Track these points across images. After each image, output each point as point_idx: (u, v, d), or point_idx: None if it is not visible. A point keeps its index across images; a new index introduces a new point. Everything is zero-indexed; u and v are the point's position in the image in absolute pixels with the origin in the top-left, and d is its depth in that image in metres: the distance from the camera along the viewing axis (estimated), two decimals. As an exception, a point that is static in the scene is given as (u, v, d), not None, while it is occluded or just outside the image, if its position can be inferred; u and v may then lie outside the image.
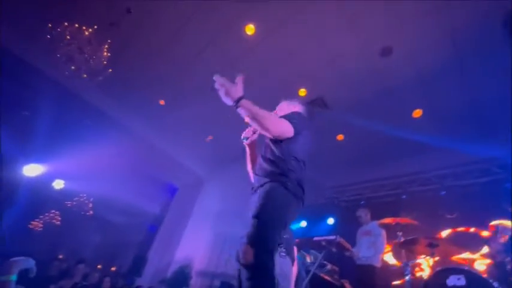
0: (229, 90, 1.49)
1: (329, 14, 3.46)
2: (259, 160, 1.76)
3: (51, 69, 4.60)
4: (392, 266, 4.53)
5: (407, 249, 2.98)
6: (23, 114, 5.48)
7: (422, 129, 4.61)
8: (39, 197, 6.63)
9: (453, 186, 4.76)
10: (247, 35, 3.87)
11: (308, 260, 3.79)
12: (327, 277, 3.67)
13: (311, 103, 4.64)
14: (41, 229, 7.63)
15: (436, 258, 3.49)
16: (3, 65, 4.41)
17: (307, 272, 3.31)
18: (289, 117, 1.73)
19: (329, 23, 3.57)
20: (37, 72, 4.71)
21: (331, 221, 5.94)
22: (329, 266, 3.73)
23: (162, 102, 5.39)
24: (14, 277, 1.68)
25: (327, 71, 4.18)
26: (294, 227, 6.53)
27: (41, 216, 7.70)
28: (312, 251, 3.75)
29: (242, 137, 1.99)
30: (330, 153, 5.54)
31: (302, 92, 4.51)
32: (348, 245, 3.26)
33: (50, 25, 3.81)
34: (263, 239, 1.34)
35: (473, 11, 3.10)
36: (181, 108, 5.40)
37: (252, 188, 1.73)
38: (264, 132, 1.61)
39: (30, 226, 7.39)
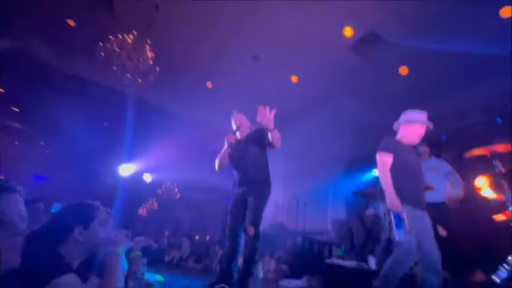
0: (269, 120, 2.45)
1: None
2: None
3: (112, 82, 5.20)
4: (492, 200, 3.99)
5: (510, 180, 2.56)
6: (104, 126, 6.47)
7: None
8: (136, 190, 7.99)
9: None
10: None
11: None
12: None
13: (361, 41, 4.14)
14: (146, 214, 9.32)
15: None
16: (82, 88, 5.23)
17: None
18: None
19: None
20: (100, 86, 5.40)
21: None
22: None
23: (209, 84, 5.58)
24: (139, 252, 2.13)
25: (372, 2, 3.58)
26: (367, 176, 6.30)
27: (143, 205, 9.38)
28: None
29: (226, 140, 2.73)
30: (393, 91, 4.95)
31: (348, 31, 4.02)
32: (429, 185, 2.99)
33: (100, 43, 4.23)
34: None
35: None
36: (228, 86, 5.53)
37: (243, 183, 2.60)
38: (275, 145, 2.55)
39: (138, 213, 9.11)
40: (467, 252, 3.08)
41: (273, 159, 2.93)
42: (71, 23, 4.53)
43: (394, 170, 2.18)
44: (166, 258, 5.43)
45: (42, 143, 8.37)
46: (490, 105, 4.55)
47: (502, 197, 2.67)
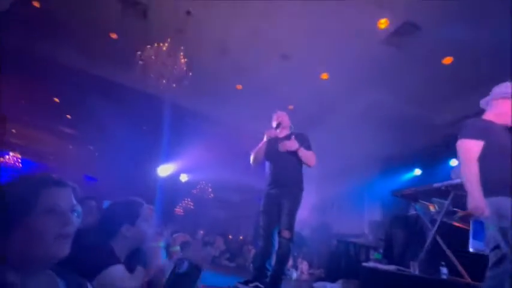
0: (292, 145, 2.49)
1: None
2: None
3: (149, 88, 5.55)
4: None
5: None
6: (143, 129, 6.93)
7: None
8: (173, 190, 8.41)
9: None
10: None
11: (432, 209, 3.39)
12: (460, 224, 3.21)
13: (396, 32, 3.91)
14: (182, 213, 9.77)
15: None
16: (124, 96, 5.67)
17: (433, 221, 2.98)
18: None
19: None
20: (139, 93, 5.79)
21: (454, 162, 5.01)
22: (460, 213, 3.23)
23: (239, 86, 5.69)
24: (178, 247, 2.24)
25: None
26: (406, 176, 5.92)
27: (180, 204, 9.85)
28: (435, 199, 3.32)
29: (266, 135, 2.72)
30: (437, 82, 4.58)
31: (383, 23, 3.82)
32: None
33: (138, 52, 4.55)
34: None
35: None
36: (258, 87, 5.58)
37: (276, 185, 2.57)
38: (306, 164, 2.58)
39: (175, 212, 9.59)
40: None
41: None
42: (113, 35, 4.94)
43: (486, 158, 1.72)
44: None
45: (91, 147, 9.23)
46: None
47: None
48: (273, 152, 2.61)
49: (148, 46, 4.41)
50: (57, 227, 0.68)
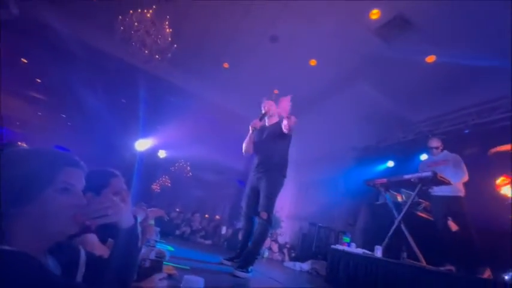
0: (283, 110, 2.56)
1: None
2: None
3: (131, 57, 5.23)
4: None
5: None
6: (122, 102, 6.61)
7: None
8: (150, 166, 8.25)
9: None
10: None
11: (399, 199, 3.61)
12: (423, 214, 3.47)
13: (387, 26, 3.93)
14: (159, 190, 9.66)
15: None
16: (103, 63, 5.30)
17: (399, 210, 3.18)
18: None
19: None
20: (119, 61, 5.45)
21: (424, 157, 5.32)
22: (424, 204, 3.48)
23: (226, 65, 5.53)
24: (153, 222, 2.22)
25: None
26: (380, 168, 6.20)
27: (157, 180, 9.71)
28: (403, 190, 3.54)
29: (251, 126, 2.78)
30: (418, 81, 4.73)
31: (374, 14, 3.82)
32: (446, 179, 2.90)
33: (120, 17, 4.22)
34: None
35: None
36: (245, 67, 5.46)
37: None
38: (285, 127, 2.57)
39: (151, 188, 9.47)
40: (480, 249, 3.02)
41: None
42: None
43: None
44: (177, 232, 5.67)
45: (64, 116, 8.69)
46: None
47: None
48: (258, 141, 2.76)
49: (131, 11, 4.11)
50: (71, 207, 0.69)
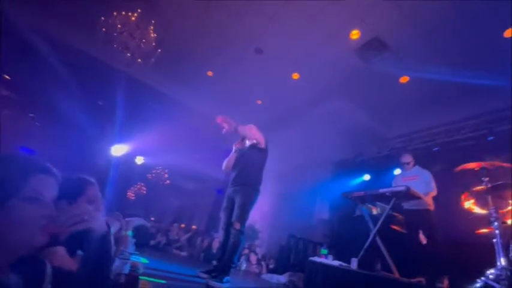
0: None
1: None
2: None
3: (112, 60, 5.08)
4: (476, 214, 4.11)
5: (495, 195, 2.64)
6: (99, 104, 6.34)
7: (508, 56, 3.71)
8: (126, 173, 7.90)
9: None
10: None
11: (374, 212, 3.73)
12: (396, 227, 3.59)
13: (366, 46, 4.15)
14: (134, 198, 9.25)
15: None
16: (80, 63, 5.06)
17: (374, 223, 3.27)
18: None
19: None
20: (99, 63, 5.26)
21: (398, 172, 5.57)
22: (398, 217, 3.62)
23: (210, 73, 5.52)
24: (130, 233, 2.10)
25: (381, 8, 3.58)
26: (356, 181, 6.40)
27: (132, 188, 9.30)
28: (378, 203, 3.66)
29: (234, 146, 3.16)
30: (393, 100, 5.01)
31: (354, 34, 4.02)
32: (418, 194, 3.06)
33: (102, 18, 4.11)
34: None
35: None
36: (229, 77, 5.48)
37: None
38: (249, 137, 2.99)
39: (127, 196, 9.04)
40: (446, 260, 3.18)
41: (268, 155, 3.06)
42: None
43: None
44: (152, 243, 5.42)
45: (32, 115, 8.14)
46: (482, 122, 4.66)
47: (487, 212, 2.75)
48: (238, 158, 3.06)
49: (115, 13, 4.02)
50: (39, 218, 0.64)
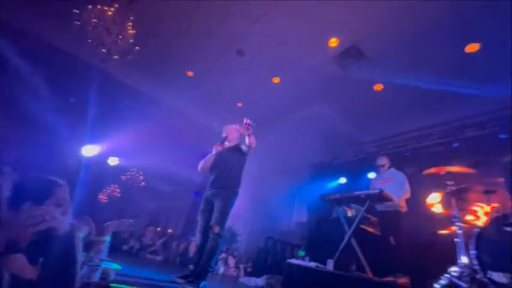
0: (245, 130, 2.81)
1: None
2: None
3: (86, 55, 4.83)
4: (439, 215, 4.39)
5: (458, 198, 2.83)
6: (71, 102, 5.99)
7: (474, 67, 4.03)
8: (99, 174, 7.51)
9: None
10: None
11: (349, 213, 3.84)
12: (370, 229, 3.72)
13: (344, 53, 4.30)
14: (106, 200, 8.81)
15: (494, 205, 3.28)
16: (51, 56, 4.75)
17: (350, 225, 3.37)
18: None
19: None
20: (74, 59, 4.98)
21: (372, 175, 5.80)
22: (371, 219, 3.75)
23: (190, 73, 5.43)
24: (108, 238, 1.97)
25: (359, 18, 3.74)
26: (333, 184, 6.57)
27: (104, 190, 8.85)
28: (353, 205, 3.78)
29: (214, 148, 3.08)
30: (368, 105, 5.22)
31: (333, 42, 4.15)
32: (390, 196, 3.21)
33: (77, 11, 3.89)
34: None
35: None
36: (210, 77, 5.42)
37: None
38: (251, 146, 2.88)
39: (98, 198, 8.57)
40: (411, 259, 3.36)
41: (247, 159, 3.07)
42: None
43: None
44: (125, 247, 5.19)
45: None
46: (450, 129, 5.00)
47: (450, 214, 2.94)
48: (217, 162, 3.01)
49: (90, 6, 3.83)
50: None
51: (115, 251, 4.46)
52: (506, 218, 2.24)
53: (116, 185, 9.08)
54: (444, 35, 3.70)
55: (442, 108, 4.88)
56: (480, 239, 2.52)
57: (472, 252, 2.46)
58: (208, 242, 2.65)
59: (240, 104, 6.07)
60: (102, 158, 7.44)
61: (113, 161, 7.90)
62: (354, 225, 3.27)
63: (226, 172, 2.91)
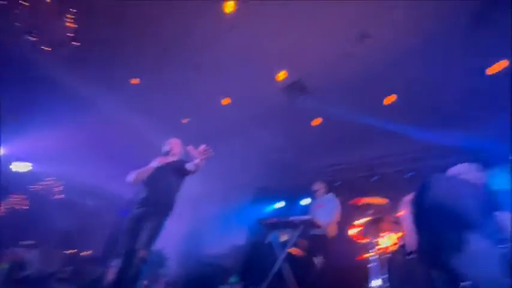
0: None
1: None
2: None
3: (11, 43, 4.13)
4: (360, 242, 4.87)
5: (375, 227, 3.22)
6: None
7: (394, 115, 4.85)
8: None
9: (417, 168, 5.15)
10: (225, 12, 3.70)
11: (284, 238, 3.97)
12: (298, 253, 3.89)
13: (290, 86, 4.67)
14: (3, 214, 7.10)
15: (400, 234, 3.82)
16: None
17: (283, 250, 3.48)
18: None
19: (308, 5, 3.50)
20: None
21: (305, 202, 6.19)
22: (301, 243, 3.93)
23: (135, 81, 5.09)
24: (5, 265, 1.58)
25: (305, 54, 4.17)
26: (272, 207, 6.76)
27: (4, 200, 7.16)
28: (288, 229, 3.93)
29: (155, 161, 2.84)
30: (309, 136, 5.69)
31: (282, 75, 4.49)
32: (319, 223, 3.47)
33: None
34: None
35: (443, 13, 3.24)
36: (157, 88, 5.18)
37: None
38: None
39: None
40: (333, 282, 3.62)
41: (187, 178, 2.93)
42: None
43: None
44: (25, 274, 4.24)
45: None
46: (370, 164, 5.78)
47: (368, 241, 3.31)
48: (154, 176, 2.71)
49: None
50: None
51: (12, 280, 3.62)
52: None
53: (22, 195, 7.49)
54: (376, 82, 4.37)
55: (367, 145, 5.66)
56: (390, 264, 2.88)
57: (384, 276, 2.79)
58: (131, 268, 2.36)
59: (185, 120, 5.91)
60: (3, 162, 6.18)
61: (23, 167, 6.60)
62: (286, 249, 3.39)
63: (163, 189, 2.68)
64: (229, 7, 3.62)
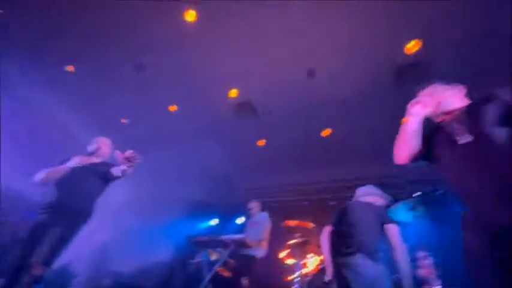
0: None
1: (272, 19, 3.52)
2: None
3: None
4: (287, 264, 5.03)
5: (302, 249, 3.37)
6: None
7: (330, 145, 5.31)
8: None
9: (343, 197, 5.68)
10: (186, 20, 3.65)
11: (213, 257, 3.84)
12: (225, 273, 3.80)
13: (239, 106, 4.76)
14: None
15: (322, 257, 4.07)
16: None
17: (211, 269, 3.35)
18: None
19: (270, 29, 3.66)
20: None
21: (240, 220, 6.17)
22: (230, 263, 3.86)
23: (70, 68, 4.50)
24: None
25: (258, 76, 4.34)
26: (205, 224, 6.51)
27: None
28: (219, 249, 3.82)
29: (73, 160, 2.47)
30: (250, 157, 5.79)
31: (233, 92, 4.56)
32: (250, 243, 3.48)
33: None
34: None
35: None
36: (97, 81, 4.68)
37: None
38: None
39: None
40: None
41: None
42: None
43: None
44: None
45: None
46: (304, 189, 6.15)
47: (294, 262, 3.44)
48: (70, 177, 2.33)
49: None
50: None
51: None
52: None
53: None
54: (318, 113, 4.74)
55: (309, 169, 6.02)
56: (311, 285, 3.02)
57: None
58: (23, 285, 1.90)
59: (124, 121, 5.43)
60: None
61: None
62: (214, 269, 3.27)
63: (78, 194, 2.31)
64: (191, 16, 3.58)
